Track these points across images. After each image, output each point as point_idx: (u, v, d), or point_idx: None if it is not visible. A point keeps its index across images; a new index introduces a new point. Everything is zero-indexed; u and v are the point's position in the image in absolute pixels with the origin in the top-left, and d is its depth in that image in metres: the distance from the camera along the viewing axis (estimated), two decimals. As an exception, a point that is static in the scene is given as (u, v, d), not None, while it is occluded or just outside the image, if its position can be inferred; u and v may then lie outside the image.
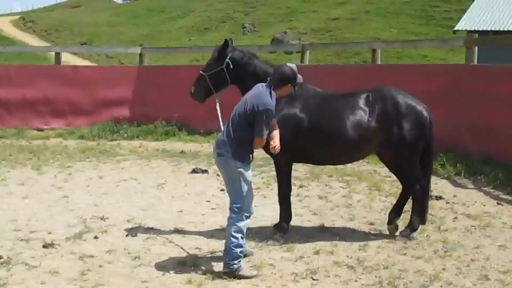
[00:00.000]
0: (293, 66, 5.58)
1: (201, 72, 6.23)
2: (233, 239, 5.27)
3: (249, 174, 5.36)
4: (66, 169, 9.73)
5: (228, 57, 6.11)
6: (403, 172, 6.47)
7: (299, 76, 5.51)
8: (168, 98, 13.39)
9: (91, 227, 6.64)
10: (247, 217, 5.38)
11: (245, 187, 5.32)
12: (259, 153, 6.27)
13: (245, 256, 5.57)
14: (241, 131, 5.30)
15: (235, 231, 5.28)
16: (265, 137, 5.32)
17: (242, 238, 5.32)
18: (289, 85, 5.48)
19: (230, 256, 5.27)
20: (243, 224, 5.33)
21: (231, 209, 5.36)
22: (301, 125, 5.98)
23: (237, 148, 5.29)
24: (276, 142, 5.45)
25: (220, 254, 5.79)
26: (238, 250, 5.27)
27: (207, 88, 6.19)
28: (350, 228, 6.76)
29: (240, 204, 5.31)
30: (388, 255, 5.84)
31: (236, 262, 5.25)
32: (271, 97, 5.34)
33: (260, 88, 5.41)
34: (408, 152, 6.23)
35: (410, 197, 6.51)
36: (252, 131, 5.27)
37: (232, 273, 5.24)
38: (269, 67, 6.15)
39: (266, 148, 5.64)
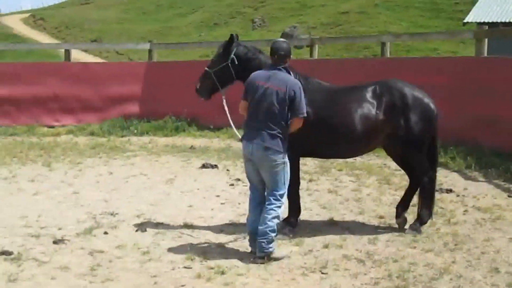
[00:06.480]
0: (283, 40, 5.90)
1: (206, 69, 6.24)
2: (270, 224, 5.43)
3: (288, 163, 5.58)
4: (77, 166, 9.77)
5: (233, 53, 6.12)
6: (411, 165, 6.44)
7: None
8: (178, 93, 13.32)
9: (101, 222, 6.67)
10: (282, 205, 5.59)
11: (287, 176, 5.58)
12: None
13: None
14: (284, 122, 5.47)
15: (274, 217, 5.46)
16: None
17: (277, 224, 5.52)
18: (288, 59, 5.67)
19: (266, 240, 5.42)
20: (281, 211, 5.56)
21: (271, 196, 5.50)
22: (307, 120, 5.81)
23: (283, 140, 5.47)
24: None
25: (230, 248, 5.84)
26: (273, 234, 5.46)
27: (212, 84, 6.22)
28: (359, 222, 6.75)
29: (282, 192, 5.54)
30: (397, 249, 5.82)
31: (271, 246, 5.44)
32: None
33: (279, 74, 5.55)
34: (416, 145, 6.20)
35: (418, 190, 6.48)
36: (287, 117, 5.46)
37: (266, 256, 5.41)
38: None
39: None
